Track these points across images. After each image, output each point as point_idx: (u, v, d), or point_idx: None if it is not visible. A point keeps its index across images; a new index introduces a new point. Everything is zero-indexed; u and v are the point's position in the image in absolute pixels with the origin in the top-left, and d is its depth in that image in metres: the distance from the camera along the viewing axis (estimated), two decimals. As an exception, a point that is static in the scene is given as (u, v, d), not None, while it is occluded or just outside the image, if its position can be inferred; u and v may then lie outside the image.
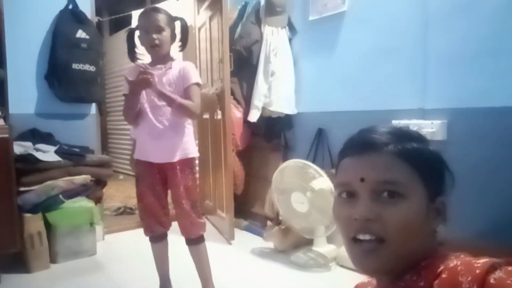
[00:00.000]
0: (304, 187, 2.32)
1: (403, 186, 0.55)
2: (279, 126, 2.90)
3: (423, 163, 0.57)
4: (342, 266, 2.31)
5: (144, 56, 1.82)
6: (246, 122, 2.93)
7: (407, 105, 2.16)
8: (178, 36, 1.81)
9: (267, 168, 3.03)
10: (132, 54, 1.79)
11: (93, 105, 2.79)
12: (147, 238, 1.88)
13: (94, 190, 2.45)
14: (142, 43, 1.73)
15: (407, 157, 0.56)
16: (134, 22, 3.72)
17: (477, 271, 0.45)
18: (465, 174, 1.59)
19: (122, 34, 4.85)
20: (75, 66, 2.51)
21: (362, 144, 0.59)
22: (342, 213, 0.59)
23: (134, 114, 1.72)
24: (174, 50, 1.80)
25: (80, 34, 2.54)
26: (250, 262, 2.46)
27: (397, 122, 2.15)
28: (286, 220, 2.53)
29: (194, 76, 1.74)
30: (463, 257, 0.52)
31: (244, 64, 2.92)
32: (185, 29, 1.81)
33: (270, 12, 2.84)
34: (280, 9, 2.82)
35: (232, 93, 2.92)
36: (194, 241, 1.83)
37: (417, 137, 0.60)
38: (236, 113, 2.94)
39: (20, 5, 2.44)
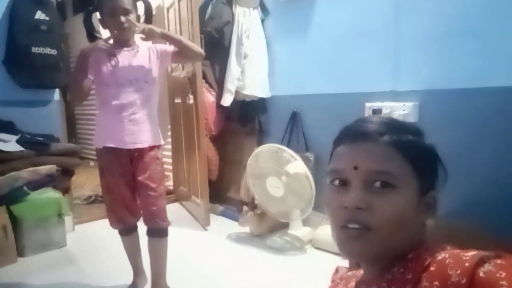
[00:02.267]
0: (279, 172, 2.31)
1: (396, 178, 0.54)
2: (253, 110, 2.86)
3: (418, 156, 0.57)
4: (317, 248, 2.34)
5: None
6: (219, 106, 2.87)
7: (380, 88, 2.16)
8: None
9: (242, 153, 3.00)
10: (93, 38, 1.71)
11: (57, 91, 2.64)
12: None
13: (61, 180, 2.35)
14: (107, 27, 1.65)
15: (402, 149, 0.56)
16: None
17: (466, 264, 0.45)
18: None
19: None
20: (35, 50, 2.35)
21: (357, 132, 0.58)
22: (333, 200, 0.58)
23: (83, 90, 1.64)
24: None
25: (39, 15, 2.38)
26: (226, 247, 2.46)
27: (370, 105, 2.16)
28: (261, 204, 2.53)
29: (167, 46, 1.78)
30: (450, 250, 0.52)
31: (215, 46, 2.84)
32: (148, 10, 1.75)
33: (242, -8, 2.76)
34: (252, -11, 2.74)
35: (204, 77, 2.84)
36: (159, 232, 1.76)
37: (414, 130, 0.60)
38: (209, 97, 2.87)
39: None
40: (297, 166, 2.25)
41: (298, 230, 2.42)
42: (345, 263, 2.04)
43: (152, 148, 1.74)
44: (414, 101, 2.01)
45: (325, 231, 2.30)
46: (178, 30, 2.90)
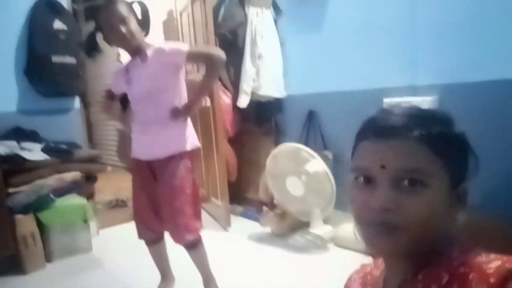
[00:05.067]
0: (298, 171, 2.32)
1: (426, 175, 0.51)
2: (269, 110, 2.87)
3: (449, 149, 0.53)
4: (340, 246, 2.33)
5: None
6: (235, 107, 2.88)
7: (397, 83, 2.14)
8: None
9: (259, 153, 3.01)
10: (91, 54, 1.71)
11: (77, 99, 2.69)
12: None
13: (85, 186, 2.40)
14: (111, 41, 1.60)
15: (432, 143, 0.52)
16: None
17: (491, 280, 0.43)
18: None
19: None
20: (55, 58, 2.40)
21: (383, 127, 0.54)
22: (358, 198, 0.55)
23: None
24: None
25: (58, 25, 2.43)
26: (248, 247, 2.47)
27: (388, 101, 2.14)
28: (281, 204, 2.54)
29: (179, 46, 1.65)
30: (472, 260, 0.49)
31: (229, 47, 2.84)
32: (145, 14, 1.67)
33: (254, -8, 2.77)
34: (264, -11, 2.74)
35: (219, 78, 2.86)
36: (189, 246, 1.73)
37: (443, 119, 0.56)
38: (225, 99, 2.89)
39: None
40: (317, 164, 2.25)
41: (319, 228, 2.42)
42: (368, 260, 2.04)
43: (176, 156, 1.65)
44: (433, 95, 1.99)
45: (347, 229, 2.29)
46: (192, 33, 2.93)
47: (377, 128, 0.55)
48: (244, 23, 2.80)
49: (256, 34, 2.72)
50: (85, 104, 5.40)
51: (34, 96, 2.48)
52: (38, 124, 2.48)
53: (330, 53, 2.48)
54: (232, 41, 2.83)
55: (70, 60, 2.47)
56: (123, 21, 1.53)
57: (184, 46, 1.65)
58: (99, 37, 1.63)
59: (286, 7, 2.73)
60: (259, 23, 2.73)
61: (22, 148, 2.20)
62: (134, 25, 1.57)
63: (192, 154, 1.74)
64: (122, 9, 1.54)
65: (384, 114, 0.56)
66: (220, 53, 1.62)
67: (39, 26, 2.38)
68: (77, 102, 2.70)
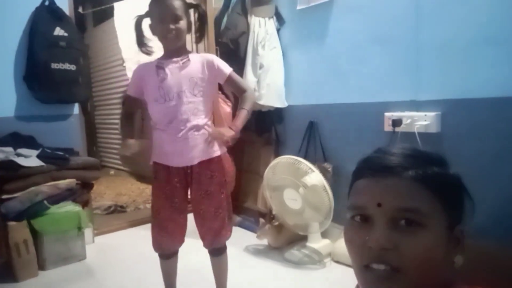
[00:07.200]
0: (296, 184, 2.27)
1: (423, 215, 0.51)
2: (269, 119, 2.84)
3: (445, 190, 0.54)
4: (337, 262, 2.28)
5: (154, 48, 1.63)
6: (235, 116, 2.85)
7: (400, 97, 2.10)
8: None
9: (259, 163, 2.98)
10: (142, 45, 1.61)
11: (76, 105, 2.68)
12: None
13: (80, 193, 2.37)
14: (155, 33, 1.55)
15: (428, 184, 0.53)
16: (118, 13, 3.58)
17: None
18: (460, 168, 1.53)
19: (106, 26, 4.70)
20: (54, 65, 2.39)
21: (380, 166, 0.55)
22: (355, 238, 0.55)
23: None
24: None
25: (58, 31, 2.42)
26: (244, 260, 2.43)
27: (389, 115, 2.10)
28: (279, 216, 2.49)
29: (225, 66, 1.65)
30: None
31: (231, 57, 2.82)
32: (202, 17, 1.64)
33: (257, 2, 2.75)
34: (267, -2, 2.72)
35: (220, 88, 2.83)
36: (218, 251, 1.74)
37: (438, 161, 0.57)
38: (225, 108, 2.86)
39: (-8, 4, 2.31)
40: (315, 177, 2.21)
41: (316, 243, 2.38)
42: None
43: (207, 162, 1.61)
44: (436, 111, 1.95)
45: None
46: (193, 41, 2.91)
47: (374, 167, 0.56)
48: (246, 33, 2.78)
49: (258, 44, 2.69)
50: (87, 109, 5.43)
51: (33, 102, 2.47)
52: (36, 129, 2.46)
53: (332, 65, 2.45)
54: (234, 50, 2.81)
55: (69, 67, 2.46)
56: (175, 19, 1.49)
57: (228, 68, 1.66)
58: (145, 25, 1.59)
59: (289, 17, 2.70)
60: (262, 32, 2.70)
61: (18, 154, 2.18)
62: (183, 26, 1.52)
63: (223, 159, 1.75)
64: (178, 6, 1.50)
65: (379, 153, 0.58)
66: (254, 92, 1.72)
67: (39, 32, 2.37)
68: (76, 108, 2.69)
